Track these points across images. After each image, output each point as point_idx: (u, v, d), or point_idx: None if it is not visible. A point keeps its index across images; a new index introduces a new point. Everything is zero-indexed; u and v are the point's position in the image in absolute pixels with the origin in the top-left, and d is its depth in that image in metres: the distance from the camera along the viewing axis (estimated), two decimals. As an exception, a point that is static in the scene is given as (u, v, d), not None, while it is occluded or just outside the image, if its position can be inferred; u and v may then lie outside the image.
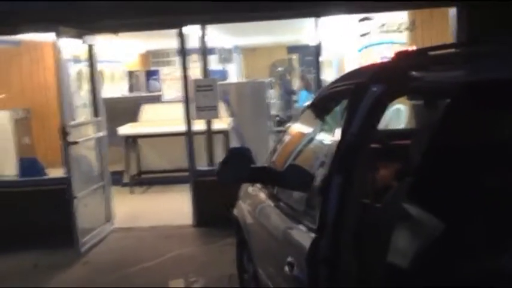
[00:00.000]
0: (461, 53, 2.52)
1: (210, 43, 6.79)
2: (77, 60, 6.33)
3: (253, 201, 3.46)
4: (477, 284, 1.57)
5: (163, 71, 12.70)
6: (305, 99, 10.18)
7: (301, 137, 3.38)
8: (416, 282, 1.76)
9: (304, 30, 8.98)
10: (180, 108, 6.42)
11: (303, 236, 2.27)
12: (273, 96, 11.45)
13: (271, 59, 16.55)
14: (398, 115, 7.37)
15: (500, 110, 1.72)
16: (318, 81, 6.48)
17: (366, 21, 7.01)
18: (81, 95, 6.31)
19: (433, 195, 1.76)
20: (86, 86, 6.39)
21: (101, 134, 6.42)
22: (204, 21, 6.29)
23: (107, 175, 6.52)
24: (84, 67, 6.39)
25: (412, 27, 6.85)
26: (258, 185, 3.35)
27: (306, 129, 3.36)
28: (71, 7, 5.69)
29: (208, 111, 6.36)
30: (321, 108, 3.09)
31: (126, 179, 8.38)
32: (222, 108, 7.18)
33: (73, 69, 6.11)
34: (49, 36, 5.98)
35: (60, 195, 5.73)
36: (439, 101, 2.38)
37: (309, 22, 6.46)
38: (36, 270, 5.27)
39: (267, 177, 2.77)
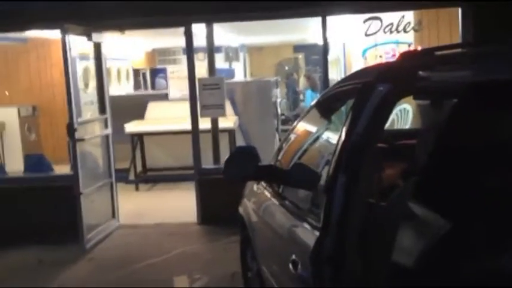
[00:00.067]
0: (468, 53, 2.52)
1: (216, 41, 6.80)
2: (84, 57, 6.35)
3: (258, 199, 3.47)
4: (480, 284, 1.57)
5: (170, 69, 12.73)
6: (311, 99, 10.17)
7: (307, 135, 3.39)
8: (420, 282, 1.76)
9: (310, 29, 8.97)
10: (186, 107, 6.43)
11: (308, 234, 2.27)
12: (279, 95, 11.44)
13: (278, 58, 16.55)
14: (404, 115, 7.36)
15: (507, 111, 1.72)
16: (325, 80, 6.47)
17: (372, 21, 7.00)
18: (88, 93, 6.32)
19: (439, 195, 1.76)
20: (92, 84, 6.41)
21: (107, 131, 6.44)
22: (210, 19, 6.31)
23: (113, 172, 6.54)
24: (91, 64, 6.41)
25: (418, 27, 6.83)
26: (263, 183, 3.36)
27: (312, 128, 3.37)
28: (77, 6, 5.73)
29: (215, 110, 6.37)
30: (327, 108, 3.10)
31: (131, 176, 8.41)
32: (228, 106, 7.19)
33: (80, 67, 6.12)
34: (56, 34, 6.02)
35: (66, 192, 5.76)
36: (445, 101, 2.38)
37: (315, 21, 6.46)
38: (40, 266, 5.30)
39: (272, 175, 2.77)
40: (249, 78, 13.19)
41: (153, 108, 8.85)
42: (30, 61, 10.14)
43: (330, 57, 6.51)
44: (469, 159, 1.68)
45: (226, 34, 9.73)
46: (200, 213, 6.35)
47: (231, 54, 12.67)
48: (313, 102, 3.42)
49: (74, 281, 4.91)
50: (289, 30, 10.09)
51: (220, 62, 10.75)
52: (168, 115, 8.45)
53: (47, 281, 4.88)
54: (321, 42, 6.39)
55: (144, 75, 12.59)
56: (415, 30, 6.85)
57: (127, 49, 11.91)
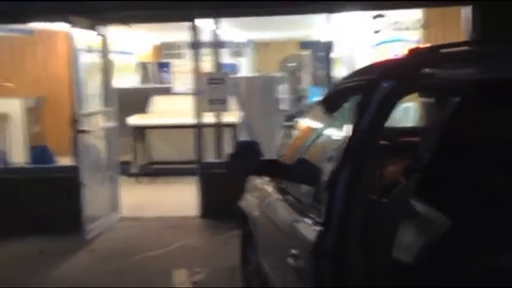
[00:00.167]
0: (474, 51, 2.51)
1: (222, 37, 6.80)
2: (89, 50, 6.36)
3: (260, 194, 3.47)
4: (481, 281, 1.57)
5: (175, 63, 12.72)
6: (314, 96, 10.16)
7: (310, 131, 3.39)
8: (421, 279, 1.76)
9: (316, 26, 8.96)
10: (189, 101, 6.43)
11: (309, 229, 2.27)
12: (284, 91, 11.44)
13: (284, 54, 16.52)
14: (408, 113, 7.34)
15: (510, 109, 1.72)
16: (329, 77, 6.47)
17: (378, 19, 6.99)
18: (93, 85, 6.34)
19: (441, 193, 1.76)
20: (98, 76, 6.42)
21: (110, 124, 6.45)
22: (216, 14, 6.30)
23: (116, 165, 6.56)
24: (96, 57, 6.42)
25: (425, 25, 6.81)
26: (266, 178, 3.36)
27: (316, 124, 3.37)
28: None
29: (218, 104, 6.38)
30: (331, 104, 3.09)
31: (133, 169, 8.43)
32: (232, 101, 7.19)
33: (85, 59, 6.14)
34: (62, 26, 6.03)
35: (69, 183, 5.78)
36: (450, 99, 2.38)
37: (321, 18, 6.45)
38: (42, 256, 5.32)
39: (275, 170, 2.77)
40: (254, 74, 13.17)
41: (157, 102, 8.86)
42: (36, 53, 10.16)
43: (335, 54, 6.50)
44: (471, 157, 1.68)
45: (233, 29, 9.72)
46: (201, 207, 6.36)
47: (237, 50, 12.65)
48: (317, 99, 3.42)
49: (75, 271, 4.94)
50: (295, 26, 10.08)
51: (225, 58, 10.73)
52: (172, 109, 8.45)
53: (48, 271, 4.91)
54: (326, 39, 6.38)
55: (149, 68, 12.59)
56: (422, 29, 6.84)
57: (133, 43, 11.91)
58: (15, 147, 8.81)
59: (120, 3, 5.83)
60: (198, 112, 6.32)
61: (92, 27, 6.05)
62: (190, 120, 6.47)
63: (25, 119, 9.27)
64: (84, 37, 5.93)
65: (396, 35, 7.30)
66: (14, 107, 9.09)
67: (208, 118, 6.57)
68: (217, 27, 6.43)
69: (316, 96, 9.27)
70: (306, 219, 2.40)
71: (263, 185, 3.40)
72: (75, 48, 5.68)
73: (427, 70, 2.03)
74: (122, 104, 7.27)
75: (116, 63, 9.03)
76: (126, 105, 8.09)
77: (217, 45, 6.57)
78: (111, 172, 6.47)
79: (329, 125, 3.16)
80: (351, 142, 2.09)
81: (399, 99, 2.14)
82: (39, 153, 8.09)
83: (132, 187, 7.76)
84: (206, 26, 6.43)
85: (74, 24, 5.61)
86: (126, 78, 11.61)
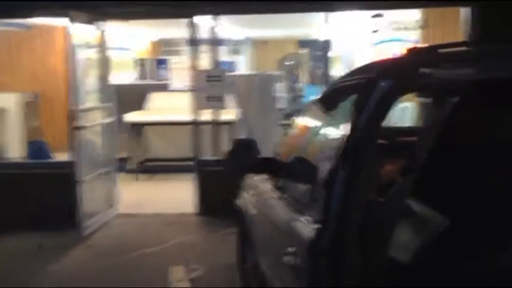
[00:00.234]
0: (472, 51, 2.52)
1: (220, 34, 6.79)
2: (87, 45, 6.35)
3: (257, 192, 3.48)
4: (479, 281, 1.58)
5: (172, 60, 12.71)
6: (311, 95, 10.17)
7: (307, 130, 3.39)
8: (417, 278, 1.77)
9: (315, 24, 8.96)
10: (187, 98, 6.43)
11: (306, 227, 2.28)
12: (282, 89, 11.45)
13: (282, 53, 16.51)
14: (406, 113, 7.36)
15: (508, 109, 1.72)
16: (327, 76, 6.47)
17: (377, 18, 7.00)
18: (90, 81, 6.33)
19: (438, 192, 1.77)
20: (95, 72, 6.41)
21: (108, 120, 6.45)
22: (215, 11, 6.30)
23: (113, 161, 6.55)
24: (94, 53, 6.41)
25: (424, 25, 6.82)
26: (263, 176, 3.36)
27: (313, 123, 3.37)
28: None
29: (216, 102, 6.38)
30: (329, 102, 3.10)
31: (131, 165, 8.42)
32: (229, 99, 7.19)
33: (83, 55, 6.13)
34: (60, 21, 6.02)
35: (66, 179, 5.78)
36: (448, 99, 2.38)
37: (319, 17, 6.46)
38: (40, 251, 5.32)
39: (272, 168, 2.78)
40: (252, 72, 13.18)
41: (154, 99, 8.85)
42: (33, 48, 10.13)
43: (333, 53, 6.50)
44: (469, 157, 1.69)
45: (231, 27, 9.72)
46: (199, 204, 6.37)
47: (235, 47, 12.65)
48: (315, 97, 3.43)
49: (71, 267, 4.94)
50: (294, 25, 10.08)
51: (224, 55, 10.72)
52: (169, 106, 8.45)
53: (45, 266, 4.91)
54: (325, 38, 6.39)
55: (147, 65, 12.57)
56: (421, 29, 6.85)
57: (132, 39, 11.89)
58: (12, 142, 8.80)
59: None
60: (196, 109, 6.32)
61: (90, 22, 6.04)
62: (187, 117, 6.47)
63: (22, 114, 9.26)
64: (82, 32, 5.92)
65: (395, 35, 7.31)
66: (11, 101, 9.07)
67: (206, 115, 6.57)
68: (215, 25, 6.42)
69: (313, 95, 9.29)
70: (303, 218, 2.40)
71: (260, 182, 3.40)
72: (73, 43, 5.66)
73: (425, 70, 2.03)
74: (120, 100, 7.26)
75: (114, 59, 9.02)
76: (124, 101, 8.07)
77: (215, 42, 6.56)
78: (108, 168, 6.47)
79: (326, 124, 3.16)
80: (349, 141, 2.10)
81: (397, 98, 2.14)
82: (36, 148, 8.08)
83: (129, 184, 7.76)
84: (204, 23, 6.43)
85: (72, 19, 5.60)
86: (123, 75, 11.60)
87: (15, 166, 6.83)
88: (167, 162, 8.45)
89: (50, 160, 7.60)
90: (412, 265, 1.77)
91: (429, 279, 1.72)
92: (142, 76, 12.37)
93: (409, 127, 6.03)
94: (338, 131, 2.47)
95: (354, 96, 2.31)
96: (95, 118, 6.28)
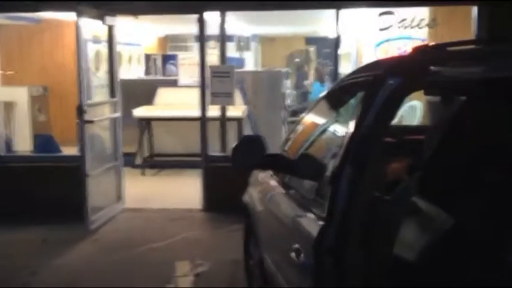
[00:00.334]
0: (481, 49, 2.50)
1: (228, 30, 6.79)
2: (96, 40, 6.38)
3: (263, 188, 3.49)
4: (484, 280, 1.58)
5: (181, 55, 12.73)
6: (318, 92, 10.15)
7: (314, 127, 3.39)
8: (422, 276, 1.77)
9: (323, 21, 8.93)
10: (195, 94, 6.44)
11: (312, 224, 2.28)
12: (289, 86, 11.45)
13: (289, 50, 16.50)
14: (413, 111, 7.33)
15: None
16: (336, 74, 6.45)
17: (386, 16, 6.97)
18: (99, 75, 6.36)
19: (443, 191, 1.76)
20: (104, 67, 6.44)
21: (116, 114, 6.47)
22: (224, 7, 6.30)
23: (120, 156, 6.58)
24: (103, 48, 6.43)
25: (432, 23, 6.79)
26: (269, 172, 3.37)
27: (320, 120, 3.37)
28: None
29: (224, 98, 6.38)
30: (336, 99, 3.10)
31: (138, 160, 8.45)
32: (237, 95, 7.20)
33: (92, 49, 6.15)
34: (70, 16, 6.04)
35: (73, 173, 5.80)
36: (456, 97, 2.38)
37: (328, 14, 6.43)
38: (45, 245, 5.36)
39: (279, 164, 2.78)
40: (260, 68, 13.17)
41: (163, 94, 8.86)
42: (43, 42, 10.18)
43: (341, 51, 6.48)
44: (475, 156, 1.69)
45: (239, 23, 9.71)
46: (205, 200, 6.38)
47: (243, 44, 12.64)
48: (322, 94, 3.43)
49: (78, 260, 4.97)
50: (301, 22, 10.06)
51: (231, 51, 10.73)
52: (177, 101, 8.46)
53: (51, 259, 4.94)
54: (333, 35, 6.36)
55: (155, 60, 12.59)
56: (429, 27, 6.81)
57: (140, 34, 11.91)
58: (21, 135, 8.87)
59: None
60: (203, 105, 6.33)
61: (99, 17, 6.05)
62: (195, 113, 6.48)
63: (31, 107, 9.32)
64: (91, 27, 5.94)
65: (403, 33, 7.28)
66: (20, 95, 9.13)
67: (214, 111, 6.58)
68: (224, 21, 6.42)
69: (320, 92, 9.27)
70: (309, 214, 2.41)
71: (266, 179, 3.41)
72: (82, 37, 5.68)
73: (433, 68, 2.03)
74: (128, 95, 7.29)
75: (121, 54, 9.05)
76: (132, 96, 8.11)
77: (223, 38, 6.56)
78: (116, 163, 6.49)
79: (333, 121, 3.16)
80: (355, 138, 2.10)
81: (405, 96, 2.14)
82: (45, 141, 8.12)
83: (136, 178, 7.79)
84: (213, 19, 6.43)
85: (82, 13, 5.62)
86: (131, 70, 11.64)
87: (24, 159, 6.87)
88: (174, 157, 8.47)
89: (58, 154, 7.64)
90: (418, 263, 1.77)
91: (434, 278, 1.72)
92: (150, 72, 12.39)
93: (416, 125, 6.02)
94: (345, 129, 2.47)
95: (361, 94, 2.31)
96: (104, 112, 6.31)
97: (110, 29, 6.37)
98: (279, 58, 15.72)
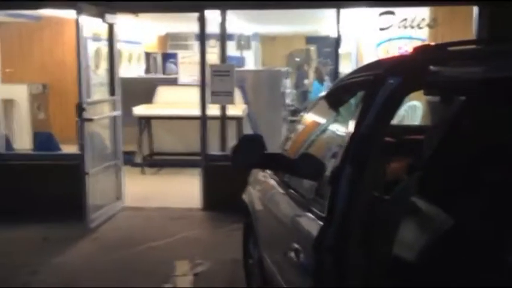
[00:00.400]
0: (482, 49, 2.50)
1: (229, 29, 6.79)
2: (96, 38, 6.37)
3: (263, 187, 3.48)
4: (484, 279, 1.58)
5: (181, 54, 12.73)
6: (318, 91, 10.15)
7: (314, 126, 3.39)
8: (422, 276, 1.77)
9: (324, 21, 8.93)
10: (195, 92, 6.44)
11: (311, 223, 2.28)
12: (289, 85, 11.45)
13: (290, 49, 16.50)
14: (415, 111, 7.33)
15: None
16: (336, 73, 6.45)
17: (386, 15, 6.96)
18: (99, 73, 6.35)
19: (443, 191, 1.76)
20: (104, 65, 6.43)
21: (116, 113, 6.47)
22: (225, 6, 6.29)
23: (120, 154, 6.58)
24: (103, 46, 6.42)
25: (433, 23, 6.78)
26: (269, 172, 3.37)
27: (320, 119, 3.37)
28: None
29: (224, 97, 6.38)
30: (336, 99, 3.09)
31: (138, 159, 8.45)
32: (237, 94, 7.19)
33: (92, 47, 6.14)
34: (70, 13, 6.03)
35: (73, 171, 5.80)
36: (456, 97, 2.37)
37: (329, 13, 6.43)
38: (44, 243, 5.36)
39: (279, 164, 2.78)
40: (260, 68, 13.17)
41: (163, 92, 8.86)
42: (43, 39, 10.18)
43: (341, 50, 6.48)
44: (475, 156, 1.68)
45: (240, 22, 9.70)
46: (205, 199, 6.38)
47: (243, 43, 12.63)
48: (322, 94, 3.42)
49: (77, 259, 4.97)
50: (302, 21, 10.05)
51: (232, 50, 10.72)
52: (177, 100, 8.46)
53: (51, 257, 4.94)
54: (333, 34, 6.36)
55: (155, 59, 12.60)
56: (430, 27, 6.81)
57: (140, 32, 11.90)
58: (21, 133, 8.86)
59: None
60: (203, 104, 6.32)
61: (99, 15, 6.05)
62: (195, 111, 6.47)
63: (31, 104, 9.32)
64: (91, 25, 5.93)
65: (403, 33, 7.28)
66: (20, 92, 9.12)
67: (214, 110, 6.57)
68: (224, 19, 6.42)
69: (320, 91, 9.27)
70: (308, 214, 2.41)
71: (266, 178, 3.41)
72: (82, 35, 5.68)
73: (433, 67, 2.02)
74: (128, 93, 7.28)
75: (122, 52, 9.03)
76: (132, 94, 8.10)
77: (224, 37, 6.55)
78: (116, 161, 6.49)
79: (333, 120, 3.16)
80: (355, 138, 2.09)
81: (405, 95, 2.13)
82: (44, 139, 8.12)
83: (135, 177, 7.79)
84: (213, 18, 6.42)
85: (81, 11, 5.61)
86: (131, 68, 11.63)
87: (24, 157, 6.87)
88: (174, 156, 8.47)
89: (58, 152, 7.64)
90: (417, 263, 1.77)
91: (434, 278, 1.71)
92: (150, 70, 12.40)
93: (416, 125, 6.01)
94: (345, 128, 2.46)
95: (361, 93, 2.30)
96: (103, 111, 6.31)
97: (110, 27, 6.36)
98: (279, 57, 15.72)
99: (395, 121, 2.17)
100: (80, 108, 5.63)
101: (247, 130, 7.96)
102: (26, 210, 5.97)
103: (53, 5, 6.54)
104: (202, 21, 6.23)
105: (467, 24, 6.02)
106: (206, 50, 6.36)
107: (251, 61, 13.26)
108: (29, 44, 10.13)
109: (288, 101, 10.32)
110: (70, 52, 8.46)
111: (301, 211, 2.53)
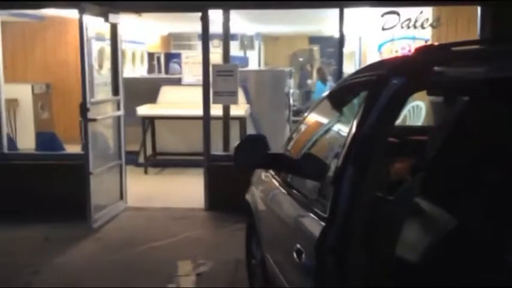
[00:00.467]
0: (485, 49, 2.49)
1: (232, 29, 6.79)
2: (100, 38, 6.37)
3: (265, 187, 3.48)
4: (484, 279, 1.57)
5: (185, 54, 12.74)
6: (321, 91, 10.14)
7: (317, 126, 3.38)
8: (424, 277, 1.76)
9: (327, 21, 8.92)
10: (198, 92, 6.44)
11: (314, 224, 2.28)
12: (292, 85, 11.44)
13: (293, 49, 16.49)
14: (419, 111, 7.31)
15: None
16: (339, 73, 6.44)
17: (390, 15, 6.95)
18: (102, 73, 6.36)
19: (446, 191, 1.75)
20: (107, 64, 6.43)
21: (119, 112, 6.47)
22: (228, 6, 6.29)
23: (123, 154, 6.58)
24: (106, 45, 6.43)
25: (436, 23, 6.77)
26: (271, 172, 3.36)
27: (323, 120, 3.36)
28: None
29: (227, 97, 6.37)
30: (339, 99, 3.09)
31: (141, 159, 8.46)
32: (240, 94, 7.19)
33: (96, 47, 6.15)
34: (73, 13, 6.03)
35: (76, 171, 5.81)
36: (459, 97, 2.36)
37: (332, 13, 6.42)
38: (47, 243, 5.36)
39: (281, 164, 2.78)
40: (263, 68, 13.16)
41: (166, 92, 8.86)
42: (46, 39, 10.19)
43: (345, 51, 6.46)
44: (478, 156, 1.68)
45: (242, 22, 9.70)
46: (208, 199, 6.38)
47: (246, 43, 12.64)
48: (325, 94, 3.42)
49: (80, 259, 4.97)
50: (305, 21, 10.04)
51: (235, 50, 10.71)
52: (181, 100, 8.46)
53: (53, 257, 4.95)
54: (336, 34, 6.35)
55: (158, 59, 12.61)
56: (433, 27, 6.79)
57: (143, 32, 11.91)
58: (24, 132, 8.88)
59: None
60: (207, 104, 6.32)
61: (102, 14, 6.05)
62: (199, 111, 6.47)
63: (34, 104, 9.34)
64: (95, 24, 5.93)
65: (407, 33, 7.26)
66: (23, 92, 9.14)
67: (217, 110, 6.57)
68: (228, 19, 6.41)
69: (323, 91, 9.26)
70: (311, 214, 2.40)
71: (269, 178, 3.40)
72: (85, 35, 5.68)
73: (437, 68, 2.02)
74: (131, 93, 7.29)
75: (125, 52, 9.03)
76: (136, 94, 8.11)
77: (227, 37, 6.55)
78: (119, 161, 6.49)
79: (336, 120, 3.15)
80: (358, 138, 2.09)
81: (409, 96, 2.13)
82: (47, 139, 8.13)
83: (138, 177, 7.80)
84: (216, 18, 6.42)
85: (84, 11, 5.61)
86: (134, 68, 11.65)
87: (27, 157, 6.88)
88: (177, 156, 8.47)
89: (62, 152, 7.65)
90: (420, 264, 1.76)
91: (437, 278, 1.71)
92: (152, 70, 12.41)
93: (420, 126, 6.00)
94: (348, 128, 2.45)
95: (364, 93, 2.30)
96: (107, 110, 6.31)
97: (114, 26, 6.36)
98: (282, 57, 15.72)
99: (400, 121, 2.16)
100: (83, 108, 5.64)
101: (251, 130, 7.96)
102: (29, 210, 5.98)
103: (56, 5, 6.55)
104: (205, 21, 6.23)
105: (471, 24, 6.00)
106: (209, 50, 6.36)
107: (254, 61, 13.26)
108: (33, 43, 10.15)
109: (291, 101, 10.31)
110: (73, 52, 8.49)
111: (304, 211, 2.53)
